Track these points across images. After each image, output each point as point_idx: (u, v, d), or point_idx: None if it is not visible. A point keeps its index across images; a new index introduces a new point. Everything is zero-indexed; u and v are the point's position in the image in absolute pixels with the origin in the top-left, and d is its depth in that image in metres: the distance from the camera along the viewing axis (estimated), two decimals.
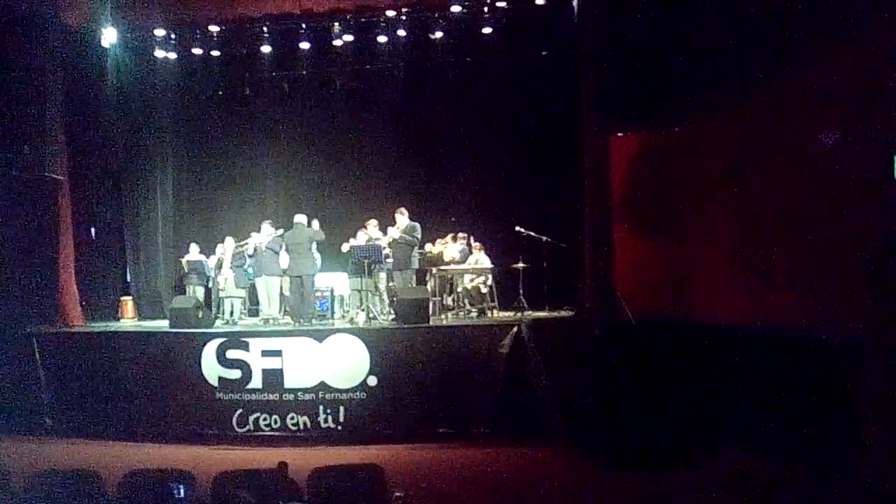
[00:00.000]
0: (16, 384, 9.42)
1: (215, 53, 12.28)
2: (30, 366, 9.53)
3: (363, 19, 11.68)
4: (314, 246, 10.63)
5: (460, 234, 11.67)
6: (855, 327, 6.36)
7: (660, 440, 7.75)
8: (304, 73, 12.65)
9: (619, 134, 10.10)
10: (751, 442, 7.41)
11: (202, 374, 9.14)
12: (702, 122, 9.27)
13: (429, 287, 10.92)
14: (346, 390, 8.93)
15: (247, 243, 11.43)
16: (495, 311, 10.88)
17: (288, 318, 10.92)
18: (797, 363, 6.96)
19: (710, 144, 9.16)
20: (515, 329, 8.92)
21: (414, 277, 10.85)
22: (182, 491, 4.65)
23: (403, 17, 11.55)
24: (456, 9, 11.28)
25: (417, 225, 10.60)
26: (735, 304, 8.48)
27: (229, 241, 11.75)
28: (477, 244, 11.42)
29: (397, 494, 5.00)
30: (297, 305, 10.50)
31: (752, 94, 8.18)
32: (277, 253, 10.94)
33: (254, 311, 12.17)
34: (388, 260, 10.77)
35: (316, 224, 10.76)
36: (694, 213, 9.46)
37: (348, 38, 11.83)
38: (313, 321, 10.34)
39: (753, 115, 8.25)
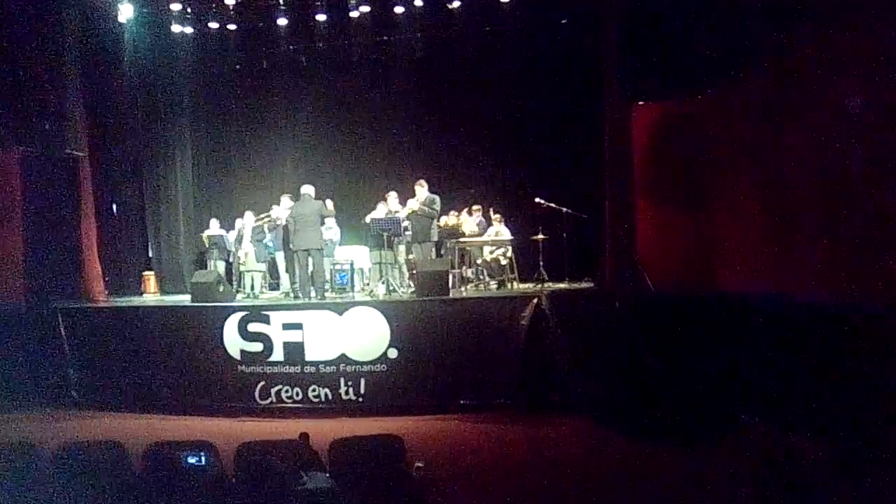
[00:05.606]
0: (42, 359, 9.57)
1: (232, 27, 12.22)
2: (55, 340, 9.65)
3: None
4: (325, 220, 10.52)
5: (475, 207, 11.59)
6: (886, 297, 6.25)
7: (683, 413, 7.70)
8: (322, 45, 12.57)
9: (641, 103, 9.94)
10: (778, 415, 7.32)
11: (224, 347, 9.20)
12: (725, 90, 9.09)
13: (448, 259, 10.89)
14: (367, 362, 8.95)
15: (267, 216, 11.46)
16: (515, 283, 10.83)
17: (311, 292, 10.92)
18: (825, 334, 6.86)
19: (734, 112, 8.99)
20: (536, 301, 8.86)
21: (433, 250, 10.82)
22: (205, 461, 4.69)
23: None
24: None
25: (437, 197, 10.54)
26: (760, 272, 8.35)
27: (249, 216, 11.78)
28: (496, 215, 11.35)
29: (418, 465, 5.03)
30: (304, 281, 10.29)
31: (779, 60, 8.00)
32: None
33: (274, 284, 12.23)
34: (407, 232, 10.74)
35: (329, 204, 10.72)
36: (718, 182, 9.31)
37: (365, 9, 11.71)
38: (318, 295, 10.14)
39: (779, 83, 8.07)
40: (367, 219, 10.79)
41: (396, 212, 10.73)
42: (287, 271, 11.42)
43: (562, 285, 10.36)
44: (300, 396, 9.03)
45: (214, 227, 12.07)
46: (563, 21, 11.57)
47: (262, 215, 11.60)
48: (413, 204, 10.55)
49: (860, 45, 6.62)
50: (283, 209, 11.18)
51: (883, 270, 6.32)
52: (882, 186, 6.41)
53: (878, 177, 6.47)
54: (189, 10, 12.03)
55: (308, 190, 10.43)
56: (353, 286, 11.09)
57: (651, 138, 9.95)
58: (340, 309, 9.13)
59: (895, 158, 6.25)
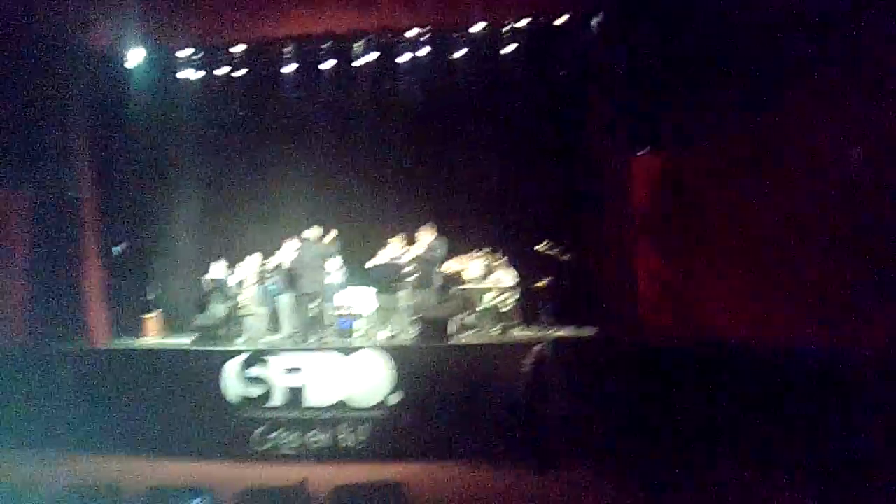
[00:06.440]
0: (42, 400, 9.52)
1: (239, 73, 12.41)
2: (56, 382, 9.62)
3: (384, 39, 11.77)
4: (328, 262, 10.55)
5: (479, 252, 11.60)
6: (876, 345, 6.31)
7: (686, 462, 7.64)
8: (328, 91, 12.73)
9: (641, 153, 10.06)
10: (784, 464, 7.28)
11: (224, 391, 9.18)
12: (723, 141, 9.22)
13: (450, 305, 10.86)
14: (368, 408, 8.93)
15: (268, 263, 11.49)
16: (518, 329, 10.81)
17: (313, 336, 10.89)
18: (826, 383, 6.86)
19: (729, 163, 9.12)
20: (538, 348, 8.85)
21: (437, 295, 10.80)
22: None
23: (425, 37, 11.60)
24: (477, 28, 11.30)
25: (444, 240, 10.58)
26: (758, 322, 8.38)
27: (254, 257, 11.81)
28: (502, 259, 11.36)
29: None
30: (306, 325, 10.32)
31: (769, 115, 8.17)
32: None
33: (277, 328, 12.18)
34: (412, 277, 10.74)
35: (328, 238, 10.74)
36: (715, 232, 9.39)
37: (370, 57, 11.93)
38: (320, 340, 10.20)
39: (772, 135, 8.22)
40: (368, 265, 10.82)
41: (402, 254, 10.75)
42: (291, 314, 11.39)
43: (565, 331, 10.34)
44: (300, 441, 8.98)
45: (219, 269, 12.06)
46: (565, 73, 11.65)
47: (266, 260, 11.62)
48: (419, 247, 10.58)
49: (842, 105, 6.79)
50: (288, 252, 11.21)
51: (876, 319, 6.40)
52: (873, 235, 6.52)
53: (870, 226, 6.58)
54: (196, 56, 12.23)
55: (313, 233, 10.49)
56: (351, 332, 11.06)
57: (650, 189, 10.07)
58: (342, 353, 9.13)
59: (883, 209, 6.37)
